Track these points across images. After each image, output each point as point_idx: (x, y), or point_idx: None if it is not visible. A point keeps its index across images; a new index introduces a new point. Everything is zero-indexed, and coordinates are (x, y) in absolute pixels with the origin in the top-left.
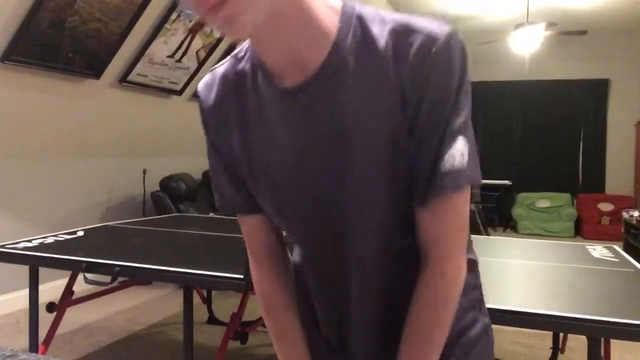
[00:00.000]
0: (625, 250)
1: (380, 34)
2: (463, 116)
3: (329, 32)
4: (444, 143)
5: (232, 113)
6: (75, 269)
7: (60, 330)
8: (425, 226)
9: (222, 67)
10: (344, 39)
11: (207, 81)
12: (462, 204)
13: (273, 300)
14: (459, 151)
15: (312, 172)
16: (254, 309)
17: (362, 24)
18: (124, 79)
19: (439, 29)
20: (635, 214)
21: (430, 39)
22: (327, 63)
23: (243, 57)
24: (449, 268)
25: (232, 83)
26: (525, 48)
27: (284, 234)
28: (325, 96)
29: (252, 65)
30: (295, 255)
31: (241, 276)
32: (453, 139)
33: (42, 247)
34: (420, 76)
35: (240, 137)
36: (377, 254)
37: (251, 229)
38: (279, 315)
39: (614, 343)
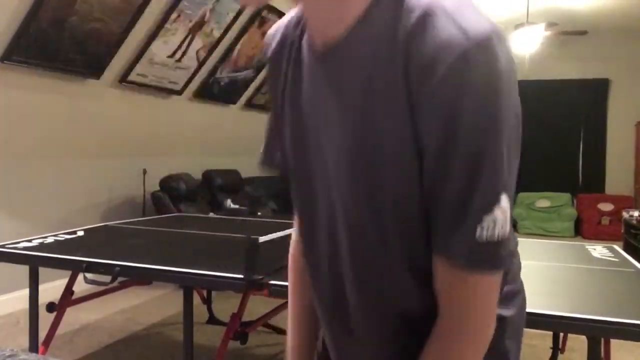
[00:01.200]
0: (625, 250)
1: (409, 12)
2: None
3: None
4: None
5: (283, 65)
6: (75, 269)
7: (60, 330)
8: (441, 280)
9: (286, 18)
10: (374, 8)
11: (271, 31)
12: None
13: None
14: (500, 217)
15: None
16: (254, 309)
17: None
18: (124, 79)
19: (466, 33)
20: (635, 214)
21: (448, 47)
22: (351, 32)
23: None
24: (469, 329)
25: (289, 35)
26: (525, 48)
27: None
28: (345, 66)
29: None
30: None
31: (241, 276)
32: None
33: (42, 247)
34: (430, 91)
35: (285, 89)
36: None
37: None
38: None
39: (614, 343)
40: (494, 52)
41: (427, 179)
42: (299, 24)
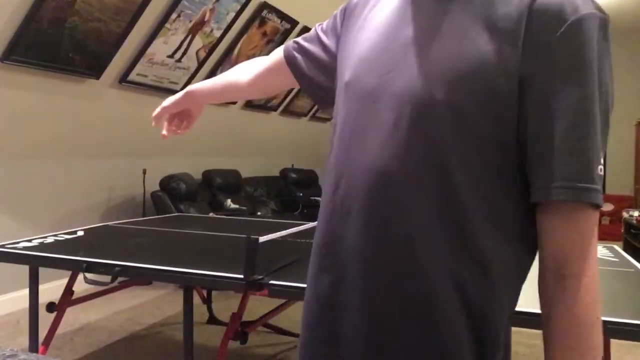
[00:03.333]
0: (625, 250)
1: None
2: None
3: None
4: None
5: (365, 10)
6: (75, 269)
7: (60, 330)
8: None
9: None
10: None
11: None
12: None
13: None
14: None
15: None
16: (254, 309)
17: None
18: (124, 79)
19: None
20: (635, 214)
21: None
22: None
23: None
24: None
25: None
26: None
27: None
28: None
29: None
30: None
31: (241, 276)
32: None
33: (42, 247)
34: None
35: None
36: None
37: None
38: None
39: (614, 343)
40: (604, 25)
41: (532, 114)
42: None
